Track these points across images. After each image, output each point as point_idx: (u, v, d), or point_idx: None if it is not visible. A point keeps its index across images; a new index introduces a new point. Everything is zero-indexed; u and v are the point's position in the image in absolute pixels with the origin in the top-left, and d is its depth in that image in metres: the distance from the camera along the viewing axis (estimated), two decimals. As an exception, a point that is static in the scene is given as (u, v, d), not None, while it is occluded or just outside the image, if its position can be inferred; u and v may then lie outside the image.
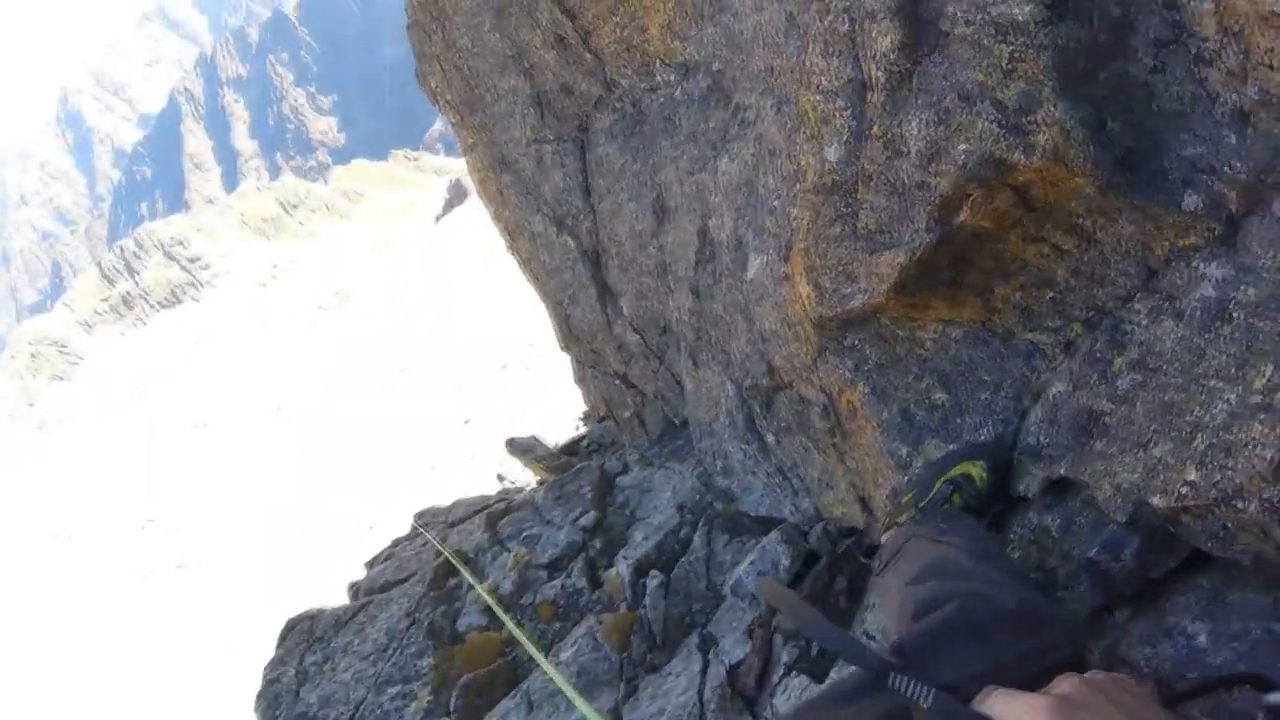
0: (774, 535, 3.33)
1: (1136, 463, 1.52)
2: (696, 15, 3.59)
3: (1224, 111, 1.45)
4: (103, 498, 45.85)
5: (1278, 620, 1.32)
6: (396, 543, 7.64)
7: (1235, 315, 1.42)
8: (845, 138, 1.95)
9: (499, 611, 3.61)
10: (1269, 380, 1.28)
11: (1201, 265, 1.53)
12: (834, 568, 3.24)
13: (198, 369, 58.79)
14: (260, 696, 5.10)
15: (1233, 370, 1.38)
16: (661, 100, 3.99)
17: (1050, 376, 1.87)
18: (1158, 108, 1.54)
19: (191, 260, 72.95)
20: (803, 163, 2.14)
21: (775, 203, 2.47)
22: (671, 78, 3.91)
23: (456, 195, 61.77)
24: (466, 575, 4.12)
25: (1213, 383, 1.41)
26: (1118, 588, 1.59)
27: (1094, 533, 1.66)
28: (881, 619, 2.54)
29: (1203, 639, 1.42)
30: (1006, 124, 1.59)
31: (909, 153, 1.77)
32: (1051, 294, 1.83)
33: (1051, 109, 1.55)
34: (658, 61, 3.98)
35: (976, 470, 1.94)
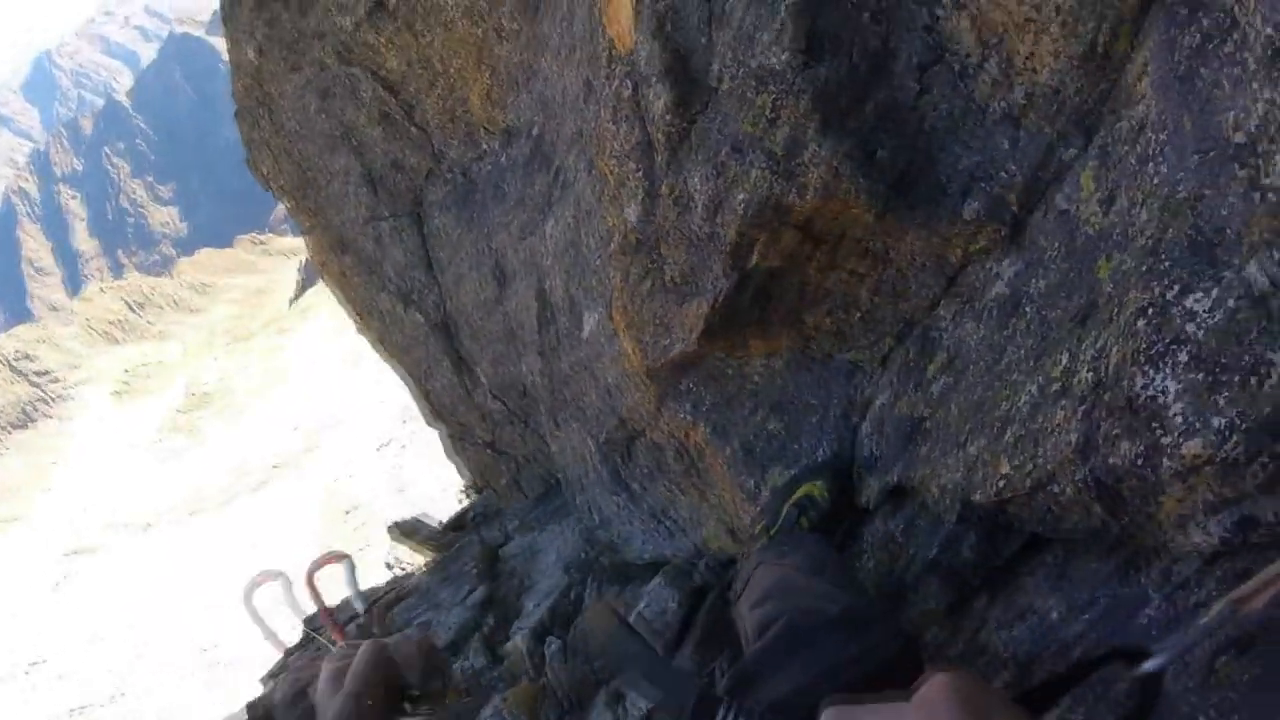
0: (658, 580, 3.34)
1: (957, 462, 1.56)
2: (512, 83, 3.66)
3: (994, 119, 1.52)
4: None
5: (1120, 583, 1.32)
6: (289, 653, 7.19)
7: (1027, 309, 1.48)
8: (640, 197, 2.03)
9: None
10: (1065, 367, 1.31)
11: (994, 265, 1.60)
12: (724, 598, 3.28)
13: (63, 493, 53.99)
14: None
15: (1031, 362, 1.41)
16: (489, 168, 4.02)
17: (873, 390, 1.95)
18: (929, 126, 1.62)
19: (40, 374, 67.43)
20: (610, 223, 2.21)
21: (596, 261, 2.54)
22: (496, 145, 3.96)
23: (309, 276, 59.73)
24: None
25: (1015, 376, 1.44)
26: (967, 580, 1.64)
27: (932, 533, 1.71)
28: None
29: (1055, 614, 1.43)
30: (778, 169, 1.67)
31: (696, 207, 1.85)
32: (859, 314, 1.91)
33: (817, 148, 1.63)
34: (481, 130, 4.02)
35: (817, 489, 1.99)
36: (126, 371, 65.69)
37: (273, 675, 6.66)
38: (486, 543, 4.69)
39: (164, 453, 52.31)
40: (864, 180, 1.62)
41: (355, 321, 5.51)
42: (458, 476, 6.47)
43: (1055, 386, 1.32)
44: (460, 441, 5.17)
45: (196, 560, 40.11)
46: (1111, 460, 1.16)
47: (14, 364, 68.08)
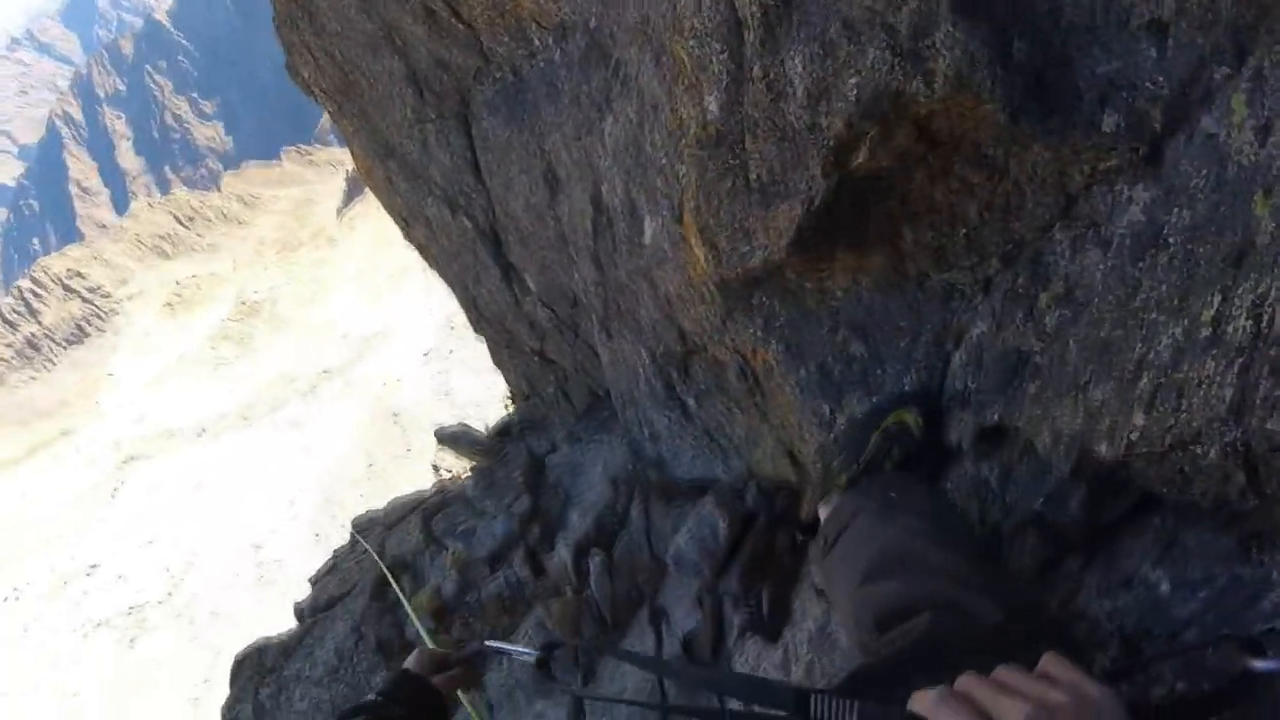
0: (708, 500, 3.26)
1: (1076, 407, 1.41)
2: (565, -29, 3.41)
3: (1139, 24, 1.33)
4: (43, 549, 43.53)
5: (1242, 563, 1.20)
6: (337, 554, 7.40)
7: (1171, 241, 1.29)
8: (724, 84, 1.80)
9: (423, 633, 3.45)
10: (1217, 311, 1.15)
11: (1126, 189, 1.41)
12: (773, 526, 3.20)
13: (117, 402, 56.02)
14: None
15: (1175, 302, 1.24)
16: (541, 65, 3.80)
17: (971, 317, 1.76)
18: (1066, 23, 1.41)
19: (92, 290, 69.17)
20: (684, 115, 2.00)
21: (663, 161, 2.34)
22: (549, 41, 3.73)
23: (355, 187, 59.76)
24: (399, 594, 3.97)
25: (1153, 316, 1.27)
26: (1067, 539, 1.50)
27: (1036, 484, 1.55)
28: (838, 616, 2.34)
29: (1165, 587, 1.30)
30: (900, 52, 1.43)
31: (794, 93, 1.62)
32: (965, 231, 1.71)
33: (951, 30, 1.40)
34: (533, 25, 3.79)
35: (911, 418, 1.81)
36: (177, 285, 67.18)
37: (321, 576, 6.86)
38: (533, 453, 4.65)
39: (215, 362, 53.92)
40: (1001, 72, 1.40)
41: (401, 229, 5.41)
42: (503, 384, 6.45)
43: (1205, 333, 1.16)
44: (506, 350, 5.09)
45: (248, 464, 41.67)
46: (1270, 426, 1.02)
47: (65, 282, 69.94)
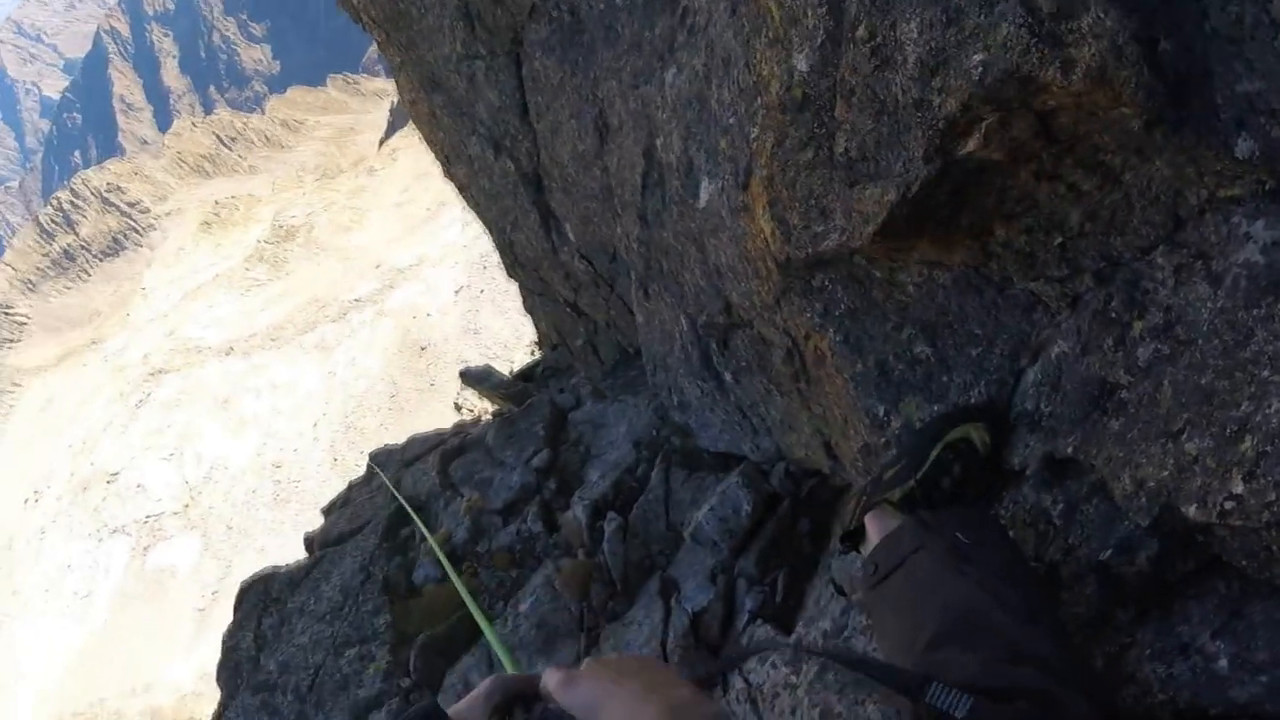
0: (734, 478, 3.15)
1: (1164, 456, 1.27)
2: (634, -96, 3.20)
3: None
4: (66, 455, 44.65)
5: None
6: (352, 486, 7.44)
7: None
8: (819, 41, 1.61)
9: (450, 572, 3.40)
10: None
11: (1245, 223, 1.25)
12: (797, 511, 3.09)
13: (148, 316, 56.86)
14: (221, 666, 4.94)
15: None
16: (601, 6, 3.61)
17: (1053, 333, 1.60)
18: (1210, 29, 1.23)
19: (130, 205, 69.84)
20: (764, 73, 1.82)
21: (731, 120, 2.17)
22: (611, -21, 3.54)
23: (399, 119, 59.39)
24: (421, 528, 3.91)
25: (1265, 373, 1.15)
26: (1128, 592, 1.38)
27: (1105, 529, 1.41)
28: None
29: (1223, 663, 1.21)
30: (1040, 31, 1.24)
31: (904, 62, 1.43)
32: (1061, 239, 1.53)
33: (1100, 16, 1.21)
34: (595, -39, 3.60)
35: (979, 434, 1.65)
36: (215, 204, 67.72)
37: (335, 507, 6.89)
38: (557, 405, 4.56)
39: (248, 283, 54.49)
40: (1147, 76, 1.22)
41: (441, 165, 5.27)
42: (531, 329, 6.36)
43: None
44: (539, 297, 4.97)
45: (273, 385, 42.31)
46: None
47: (105, 195, 70.74)
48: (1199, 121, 1.24)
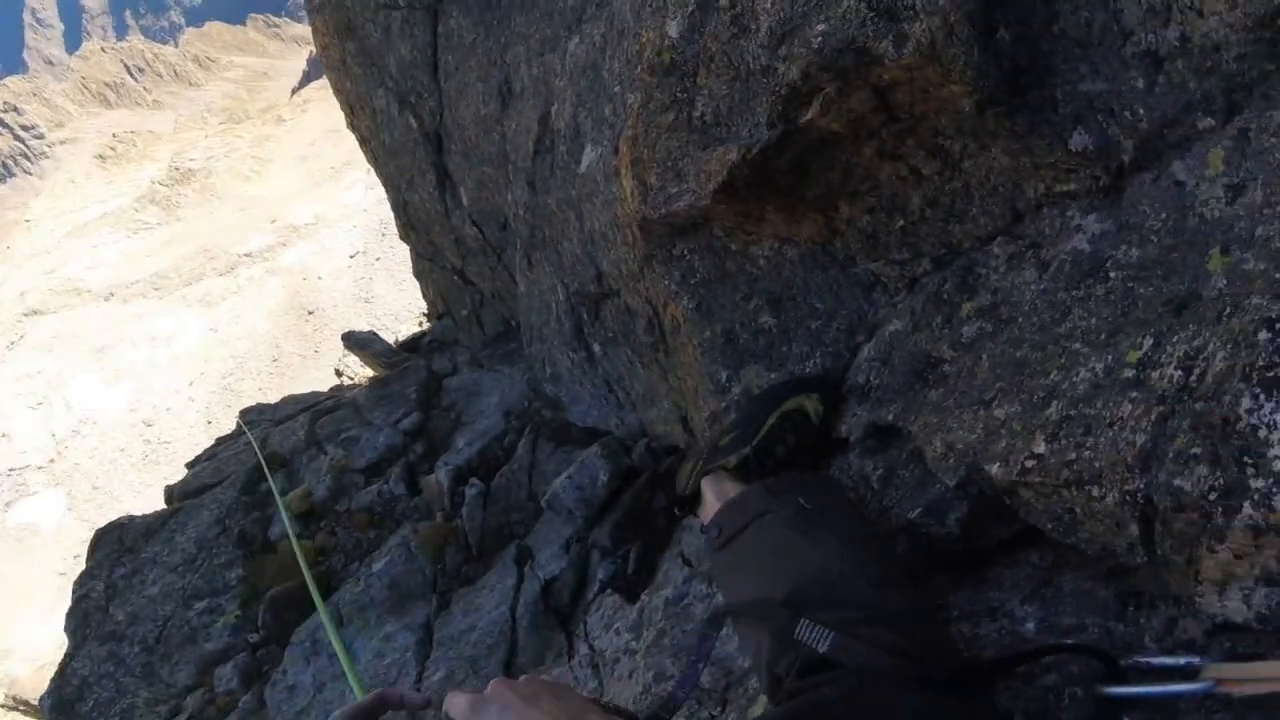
0: (595, 449, 3.20)
1: (975, 421, 1.35)
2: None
3: (1134, 52, 1.27)
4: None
5: (1117, 619, 1.16)
6: (220, 441, 7.16)
7: (1112, 275, 1.24)
8: (690, 9, 1.69)
9: (290, 534, 3.33)
10: (1146, 354, 1.11)
11: (1078, 216, 1.36)
12: (654, 485, 3.16)
13: (29, 250, 52.71)
14: (70, 614, 4.68)
15: (1102, 336, 1.20)
16: (521, -28, 3.62)
17: (889, 313, 1.70)
18: (1059, 30, 1.34)
19: (25, 129, 64.77)
20: (644, 39, 1.89)
21: (616, 89, 2.23)
22: (532, -52, 3.55)
23: (315, 69, 57.09)
24: (273, 486, 3.81)
25: (1076, 345, 1.23)
26: (937, 553, 1.44)
27: (918, 491, 1.49)
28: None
29: (1030, 626, 1.26)
30: (878, 5, 1.34)
31: (758, 30, 1.52)
32: (903, 222, 1.64)
33: None
34: (518, -73, 3.60)
35: (812, 405, 1.71)
36: (114, 136, 63.34)
37: (199, 461, 6.62)
38: (433, 371, 4.51)
39: (136, 224, 51.14)
40: (978, 54, 1.31)
41: (346, 116, 5.15)
42: (422, 300, 6.26)
43: (1127, 373, 1.12)
44: (429, 262, 4.90)
45: (152, 337, 39.90)
46: (1177, 483, 0.98)
47: (1, 115, 65.48)
48: (1034, 111, 1.34)
